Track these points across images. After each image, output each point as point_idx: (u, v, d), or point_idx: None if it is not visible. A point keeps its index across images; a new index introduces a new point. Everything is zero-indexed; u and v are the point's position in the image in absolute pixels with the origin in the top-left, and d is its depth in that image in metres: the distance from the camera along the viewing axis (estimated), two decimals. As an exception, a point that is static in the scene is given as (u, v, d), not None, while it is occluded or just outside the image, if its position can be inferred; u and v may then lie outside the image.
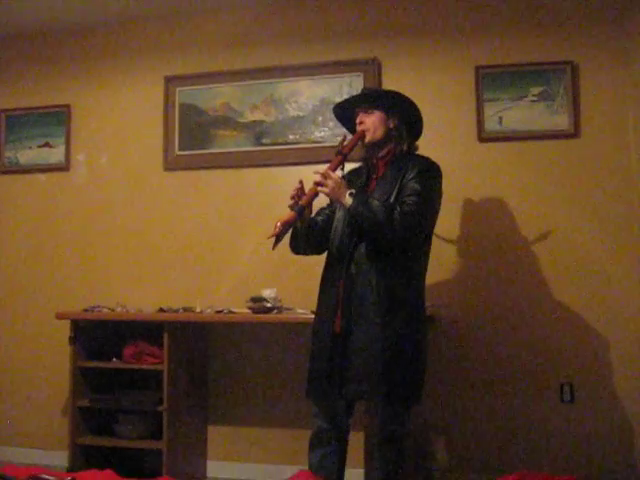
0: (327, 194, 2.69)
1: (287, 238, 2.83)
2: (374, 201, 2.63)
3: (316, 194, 2.72)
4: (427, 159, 2.83)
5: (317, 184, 2.68)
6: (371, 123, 2.82)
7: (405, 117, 2.85)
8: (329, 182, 2.65)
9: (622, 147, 3.60)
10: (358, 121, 2.87)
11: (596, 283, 3.58)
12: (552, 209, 3.65)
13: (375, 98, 2.88)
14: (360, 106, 2.89)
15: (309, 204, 2.76)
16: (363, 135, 2.83)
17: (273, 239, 2.63)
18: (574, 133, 3.63)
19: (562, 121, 3.65)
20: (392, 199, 2.68)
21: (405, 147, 2.83)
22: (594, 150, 3.63)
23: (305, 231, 2.87)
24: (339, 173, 2.76)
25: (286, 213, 2.69)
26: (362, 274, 2.69)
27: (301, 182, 2.80)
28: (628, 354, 3.52)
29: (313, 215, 2.95)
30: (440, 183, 2.81)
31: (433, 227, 2.85)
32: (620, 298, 3.55)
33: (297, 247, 2.96)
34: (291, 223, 2.68)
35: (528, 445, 3.58)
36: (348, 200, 2.63)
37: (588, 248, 3.60)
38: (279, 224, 2.62)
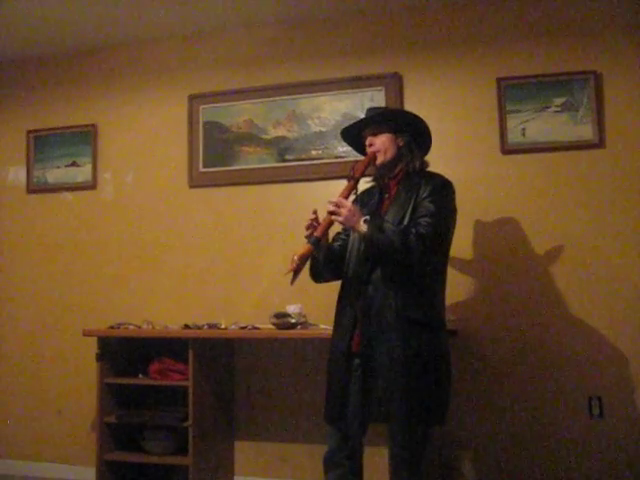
0: (341, 222, 2.65)
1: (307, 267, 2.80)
2: (389, 226, 2.60)
3: (331, 223, 2.69)
4: (440, 177, 2.79)
5: (331, 213, 2.64)
6: (381, 144, 2.80)
7: (414, 134, 2.83)
8: (343, 210, 2.61)
9: (648, 157, 3.56)
10: (368, 144, 2.85)
11: (624, 295, 3.52)
12: (577, 221, 3.61)
13: (382, 118, 2.86)
14: (367, 128, 2.87)
15: (324, 234, 2.74)
16: (374, 157, 2.81)
17: (291, 274, 2.60)
18: (598, 143, 3.59)
19: (586, 131, 3.62)
20: (406, 220, 2.65)
21: (418, 164, 2.81)
22: (619, 160, 3.58)
23: (324, 259, 2.86)
24: (351, 197, 2.75)
25: (302, 246, 2.65)
26: (380, 295, 2.65)
27: (315, 212, 2.77)
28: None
29: (330, 241, 2.93)
30: (454, 200, 2.76)
31: (449, 245, 2.80)
32: (649, 311, 3.50)
33: (317, 276, 2.95)
34: (308, 256, 2.65)
35: (557, 461, 3.53)
36: (363, 227, 2.60)
37: (616, 261, 3.54)
38: (296, 258, 2.58)
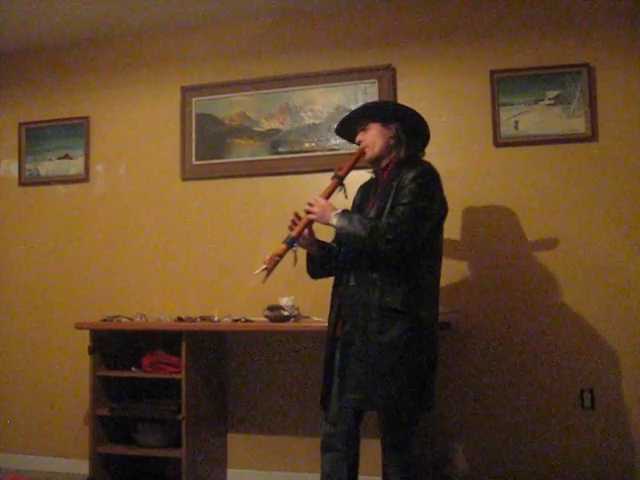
0: (316, 220, 2.71)
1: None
2: (357, 217, 2.64)
3: (307, 222, 2.75)
4: (422, 164, 2.75)
5: (307, 212, 2.72)
6: (369, 138, 2.81)
7: (405, 124, 2.80)
8: (315, 208, 2.68)
9: (640, 149, 3.56)
10: (357, 140, 2.87)
11: (615, 288, 3.53)
12: (569, 214, 3.61)
13: (370, 112, 2.86)
14: (358, 125, 2.88)
15: (300, 234, 2.75)
16: (363, 153, 2.82)
17: (264, 273, 2.65)
18: (591, 136, 3.60)
19: (579, 124, 3.62)
20: (387, 209, 2.66)
21: (402, 153, 2.78)
22: (612, 153, 3.59)
23: (322, 259, 2.92)
24: (337, 195, 2.79)
25: (278, 246, 2.69)
26: (361, 286, 2.67)
27: (296, 214, 2.82)
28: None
29: (332, 240, 2.94)
30: (436, 188, 2.72)
31: (437, 232, 2.77)
32: (640, 303, 3.51)
33: (314, 273, 3.01)
34: (281, 256, 2.68)
35: (548, 452, 3.55)
36: (334, 221, 2.65)
37: (607, 253, 3.55)
38: (267, 258, 2.64)
